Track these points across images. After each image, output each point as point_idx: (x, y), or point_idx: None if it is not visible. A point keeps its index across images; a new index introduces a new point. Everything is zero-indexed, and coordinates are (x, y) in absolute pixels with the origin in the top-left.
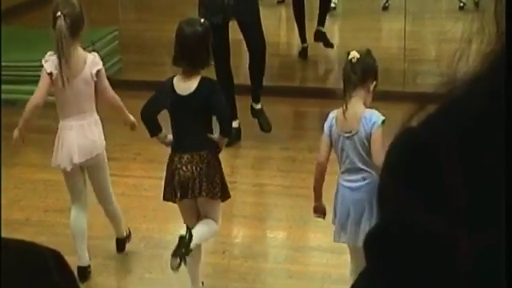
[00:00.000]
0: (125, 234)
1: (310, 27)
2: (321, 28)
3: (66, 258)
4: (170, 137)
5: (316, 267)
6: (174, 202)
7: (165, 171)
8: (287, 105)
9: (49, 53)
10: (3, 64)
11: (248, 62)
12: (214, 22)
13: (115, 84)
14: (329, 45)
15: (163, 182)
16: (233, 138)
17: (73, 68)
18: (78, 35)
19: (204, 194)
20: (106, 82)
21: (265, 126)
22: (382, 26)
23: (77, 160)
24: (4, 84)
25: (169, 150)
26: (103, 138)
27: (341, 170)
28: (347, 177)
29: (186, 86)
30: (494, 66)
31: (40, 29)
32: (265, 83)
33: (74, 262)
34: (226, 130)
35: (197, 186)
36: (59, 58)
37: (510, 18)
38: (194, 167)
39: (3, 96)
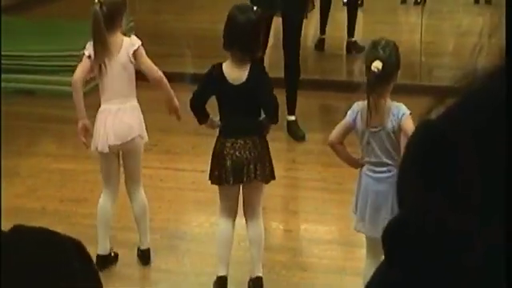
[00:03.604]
0: (148, 246)
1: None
2: (350, 39)
3: None
4: (217, 119)
5: (331, 260)
6: (223, 185)
7: (211, 156)
8: (304, 97)
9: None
10: (21, 54)
11: (283, 63)
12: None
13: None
14: (361, 50)
15: (206, 169)
16: None
17: (109, 53)
18: (117, 22)
19: (259, 177)
20: (146, 60)
21: (299, 137)
22: (400, 19)
23: (112, 142)
24: (21, 74)
25: (184, 141)
26: (142, 124)
27: (366, 162)
28: (373, 167)
29: (237, 74)
30: None
31: (56, 20)
32: (278, 75)
33: (89, 251)
34: (272, 119)
35: (252, 170)
36: (94, 43)
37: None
38: (248, 152)
39: (21, 86)
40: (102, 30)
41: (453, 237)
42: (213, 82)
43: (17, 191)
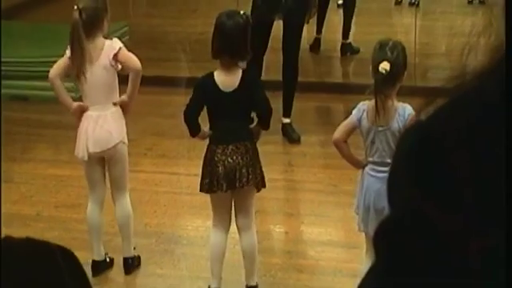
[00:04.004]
0: (133, 253)
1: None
2: (345, 41)
3: (77, 253)
4: (206, 129)
5: (327, 262)
6: (214, 192)
7: (202, 165)
8: (298, 99)
9: None
10: (14, 60)
11: (282, 69)
12: (264, 19)
13: (125, 79)
14: (355, 52)
15: (200, 174)
16: None
17: (88, 59)
18: (97, 28)
19: (251, 182)
20: (127, 55)
21: (294, 139)
22: (394, 20)
23: (92, 149)
24: (15, 80)
25: (179, 145)
26: (124, 131)
27: (368, 161)
28: (376, 167)
29: (228, 81)
30: (502, 61)
31: (50, 24)
32: (275, 78)
33: (84, 257)
34: (265, 125)
35: (244, 175)
36: (72, 51)
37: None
38: (239, 157)
39: (15, 92)
40: (81, 38)
41: (444, 237)
42: (205, 92)
43: (12, 197)
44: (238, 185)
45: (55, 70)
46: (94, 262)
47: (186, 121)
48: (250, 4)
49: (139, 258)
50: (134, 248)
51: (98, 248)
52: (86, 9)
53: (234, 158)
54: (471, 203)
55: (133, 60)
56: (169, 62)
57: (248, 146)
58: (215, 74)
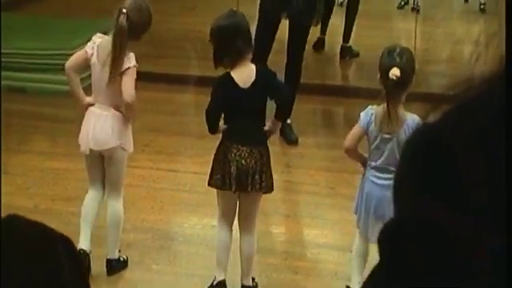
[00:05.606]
0: (117, 256)
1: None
2: (345, 44)
3: None
4: (221, 123)
5: (323, 264)
6: (224, 190)
7: (213, 158)
8: (296, 101)
9: (98, 34)
10: (13, 52)
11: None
12: (272, 17)
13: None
14: (355, 55)
15: (210, 168)
16: None
17: (107, 60)
18: (135, 39)
19: (264, 189)
20: (127, 80)
21: (292, 141)
22: (394, 25)
23: (92, 146)
24: (13, 72)
25: (176, 142)
26: (126, 136)
27: (371, 166)
28: (378, 173)
29: (245, 77)
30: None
31: (50, 17)
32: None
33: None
34: (284, 113)
35: (257, 182)
36: (113, 51)
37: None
38: (253, 161)
39: (13, 83)
40: (123, 47)
41: (452, 241)
42: (223, 92)
43: (8, 189)
44: (249, 189)
45: (71, 62)
46: (80, 250)
47: (207, 120)
48: (249, 3)
49: (126, 260)
50: (119, 251)
51: (86, 238)
52: (133, 17)
53: (248, 161)
54: (483, 205)
55: (127, 90)
56: (166, 59)
57: (262, 153)
58: (232, 72)
